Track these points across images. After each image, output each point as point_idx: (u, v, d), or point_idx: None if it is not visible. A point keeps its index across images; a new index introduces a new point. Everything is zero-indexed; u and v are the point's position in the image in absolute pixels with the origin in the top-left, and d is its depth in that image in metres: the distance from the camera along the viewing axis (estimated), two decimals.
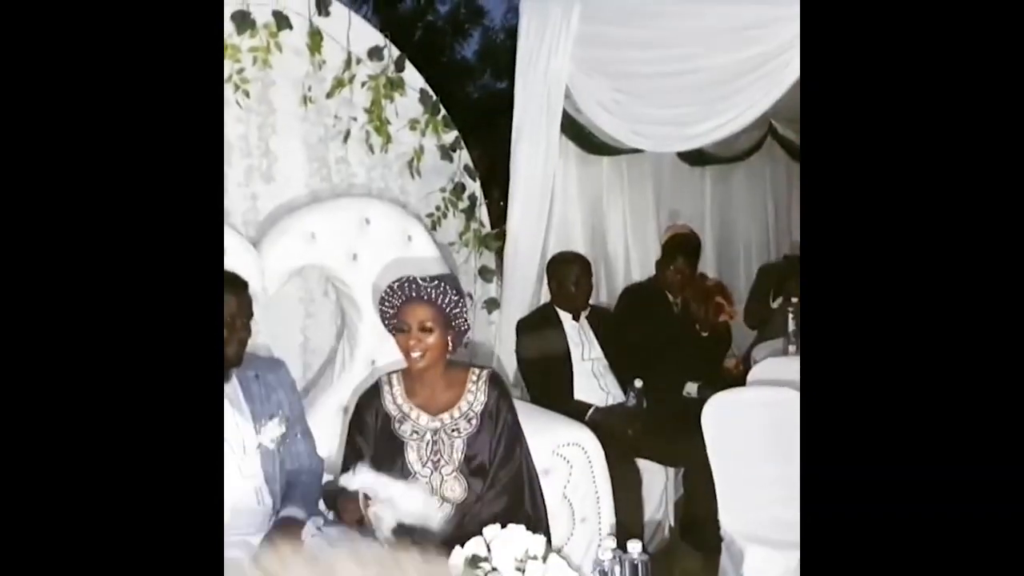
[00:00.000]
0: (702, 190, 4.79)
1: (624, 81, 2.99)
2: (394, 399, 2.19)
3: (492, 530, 1.82)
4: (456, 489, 2.13)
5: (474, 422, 2.17)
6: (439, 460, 2.15)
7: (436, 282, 2.12)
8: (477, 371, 2.22)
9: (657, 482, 3.19)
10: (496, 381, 2.23)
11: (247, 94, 2.56)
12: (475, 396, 2.19)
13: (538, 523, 2.15)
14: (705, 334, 3.43)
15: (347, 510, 2.03)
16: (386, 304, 2.15)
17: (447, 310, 2.12)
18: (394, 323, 2.13)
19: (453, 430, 2.16)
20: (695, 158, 4.43)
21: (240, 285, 2.15)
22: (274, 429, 2.14)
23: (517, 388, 3.34)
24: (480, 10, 11.07)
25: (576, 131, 3.45)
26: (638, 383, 3.06)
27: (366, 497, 1.98)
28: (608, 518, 2.58)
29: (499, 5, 10.64)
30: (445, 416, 2.17)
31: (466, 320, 2.18)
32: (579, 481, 2.51)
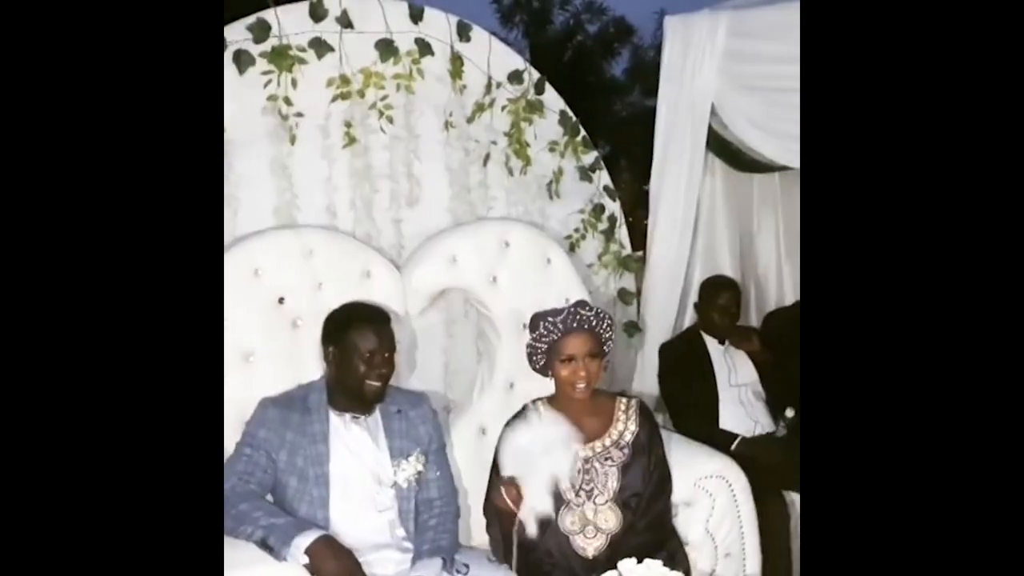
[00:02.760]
0: None
1: (773, 96, 2.86)
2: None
3: (627, 564, 1.78)
4: (611, 519, 2.13)
5: (626, 451, 2.17)
6: (592, 489, 2.14)
7: (597, 311, 2.16)
8: (625, 400, 2.24)
9: None
10: (645, 411, 2.24)
11: (391, 120, 2.63)
12: (625, 425, 2.20)
13: (678, 559, 2.12)
14: None
15: (501, 495, 2.00)
16: (544, 340, 2.15)
17: (604, 337, 2.17)
18: (554, 354, 2.14)
19: (606, 459, 2.15)
20: None
21: (381, 320, 2.15)
22: (410, 467, 2.14)
23: (660, 414, 3.25)
24: (629, 28, 11.04)
25: (724, 148, 3.34)
26: (789, 412, 2.90)
27: (518, 491, 1.96)
28: (754, 553, 2.46)
29: (649, 22, 10.52)
30: (596, 444, 2.17)
31: (612, 341, 2.23)
32: (723, 515, 2.40)
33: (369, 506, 2.11)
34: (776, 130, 2.89)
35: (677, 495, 2.35)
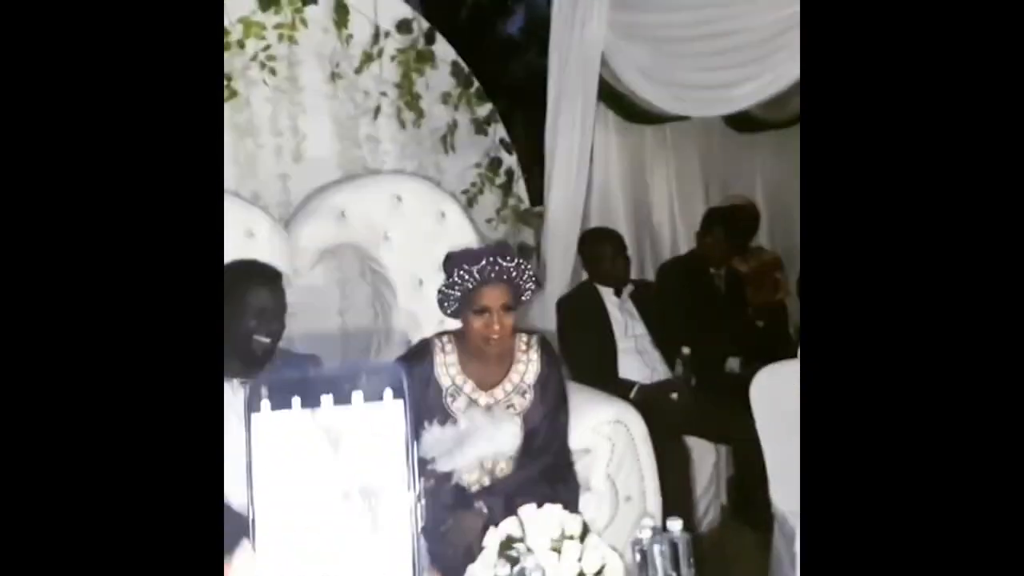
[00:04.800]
0: (753, 158, 4.51)
1: (662, 45, 2.88)
2: (447, 369, 2.08)
3: (527, 510, 1.77)
4: (506, 469, 2.06)
5: (528, 396, 2.10)
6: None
7: (518, 262, 2.01)
8: (526, 337, 2.13)
9: (707, 460, 3.10)
10: (546, 347, 2.15)
11: (273, 72, 2.53)
12: (526, 367, 2.11)
13: (574, 501, 2.10)
14: (757, 316, 3.33)
15: (469, 527, 1.88)
16: (457, 287, 1.99)
17: (523, 288, 2.04)
18: (467, 303, 2.01)
19: (508, 407, 2.08)
20: (744, 124, 4.20)
21: (270, 276, 2.08)
22: None
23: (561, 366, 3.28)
24: None
25: (616, 100, 3.36)
26: (686, 350, 2.95)
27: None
28: (654, 497, 2.50)
29: None
30: (498, 391, 2.10)
31: (531, 293, 2.09)
32: (623, 460, 2.43)
33: None
34: (666, 79, 2.92)
35: (577, 442, 2.37)
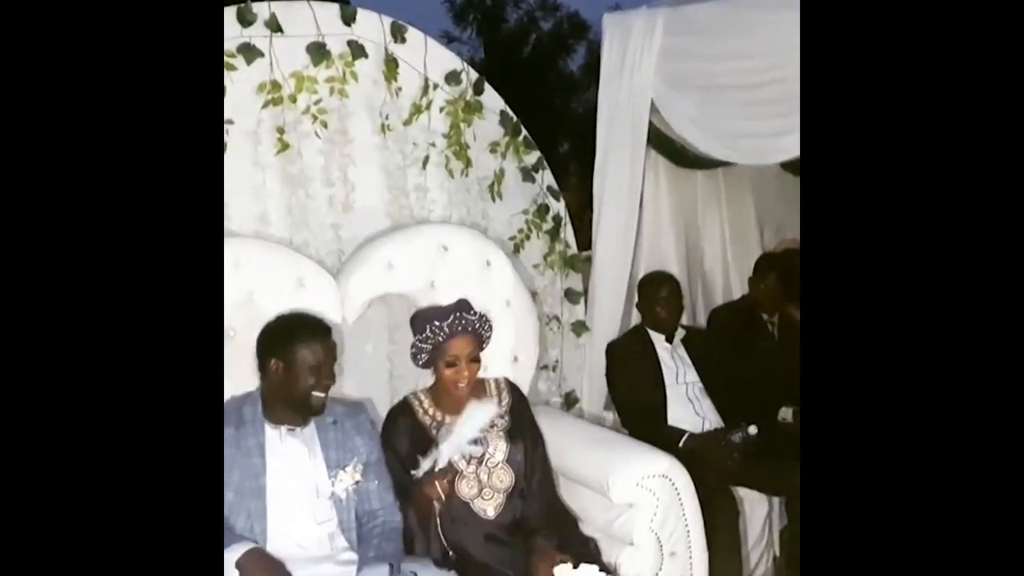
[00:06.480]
0: None
1: (712, 95, 2.86)
2: (425, 411, 2.33)
3: (563, 570, 1.81)
4: (505, 478, 2.29)
5: (506, 418, 2.35)
6: (483, 454, 2.27)
7: (480, 315, 2.28)
8: (494, 380, 2.43)
9: (759, 511, 3.02)
10: (512, 386, 2.45)
11: (325, 125, 2.59)
12: (500, 399, 2.38)
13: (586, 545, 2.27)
14: None
15: (432, 484, 2.12)
16: (428, 341, 2.24)
17: (484, 338, 2.32)
18: (437, 356, 2.26)
19: (491, 426, 2.29)
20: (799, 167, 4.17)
21: (325, 331, 2.12)
22: (347, 478, 2.12)
23: (608, 412, 3.24)
24: (584, 24, 11.06)
25: (666, 146, 3.34)
26: (752, 430, 2.86)
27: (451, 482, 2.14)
28: (700, 552, 2.45)
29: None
30: None
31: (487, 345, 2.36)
32: (667, 515, 2.39)
33: (308, 518, 2.08)
34: (715, 128, 2.90)
35: (619, 496, 2.35)
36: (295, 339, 2.07)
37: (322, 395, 2.08)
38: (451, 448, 2.15)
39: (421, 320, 2.26)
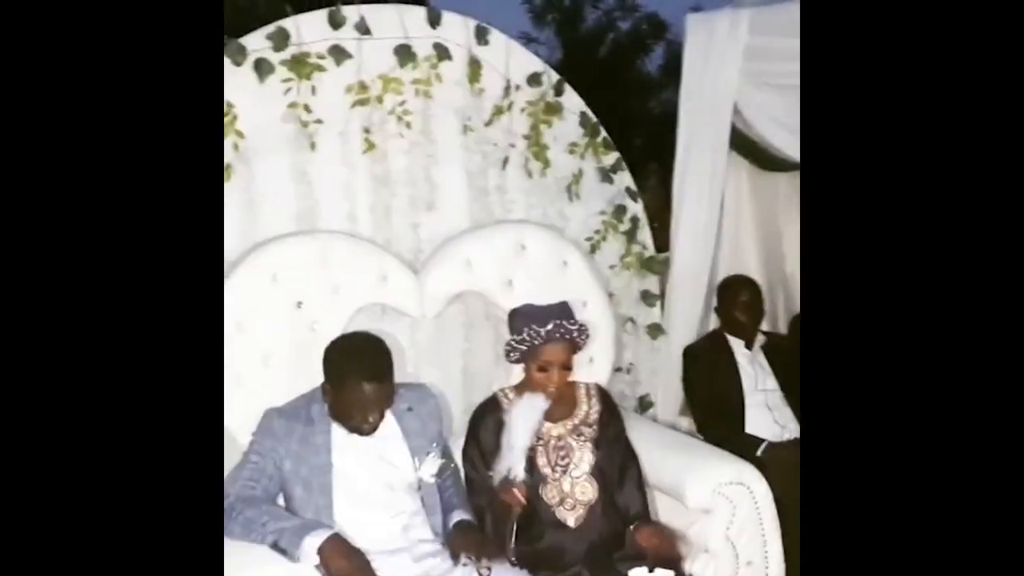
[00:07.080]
0: None
1: (796, 94, 2.80)
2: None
3: (639, 572, 1.81)
4: (588, 491, 2.23)
5: (594, 428, 2.28)
6: (568, 464, 2.23)
7: (580, 325, 2.21)
8: (584, 386, 2.36)
9: None
10: (604, 394, 2.38)
11: (409, 125, 2.63)
12: (589, 406, 2.32)
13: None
14: None
15: (511, 492, 2.08)
16: (524, 343, 2.19)
17: (580, 346, 2.24)
18: (531, 357, 2.20)
19: (578, 435, 2.26)
20: None
21: (379, 371, 2.03)
22: (432, 463, 2.15)
23: (684, 418, 3.21)
24: (662, 24, 10.91)
25: (748, 147, 3.28)
26: None
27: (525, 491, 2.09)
28: (777, 562, 2.41)
29: (682, 19, 10.37)
30: (567, 422, 2.28)
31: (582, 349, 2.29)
32: (744, 523, 2.36)
33: (380, 513, 2.10)
34: (798, 128, 2.84)
35: (694, 502, 2.32)
36: (347, 375, 2.00)
37: (367, 427, 2.04)
38: (514, 457, 2.11)
39: (520, 319, 2.22)
